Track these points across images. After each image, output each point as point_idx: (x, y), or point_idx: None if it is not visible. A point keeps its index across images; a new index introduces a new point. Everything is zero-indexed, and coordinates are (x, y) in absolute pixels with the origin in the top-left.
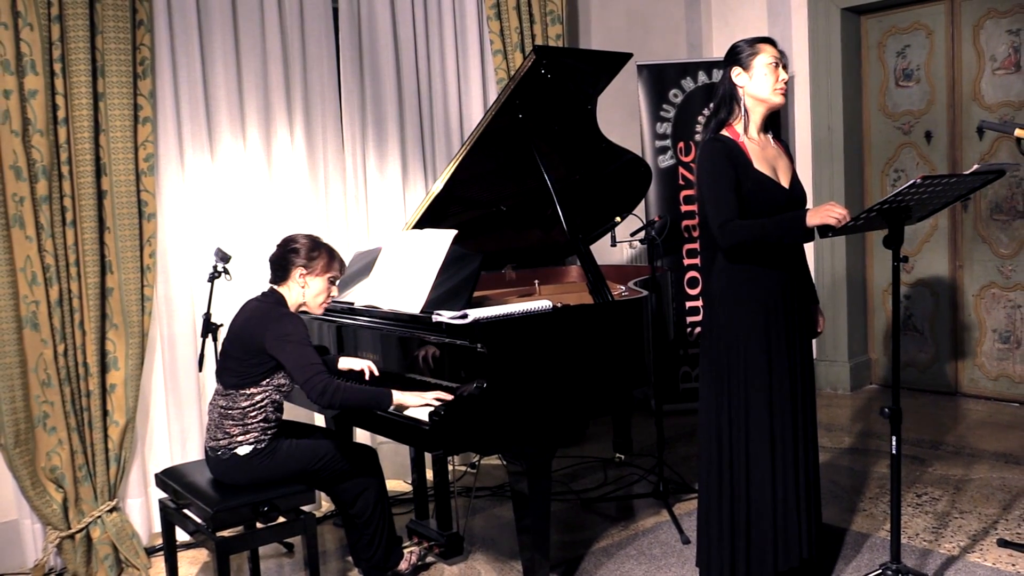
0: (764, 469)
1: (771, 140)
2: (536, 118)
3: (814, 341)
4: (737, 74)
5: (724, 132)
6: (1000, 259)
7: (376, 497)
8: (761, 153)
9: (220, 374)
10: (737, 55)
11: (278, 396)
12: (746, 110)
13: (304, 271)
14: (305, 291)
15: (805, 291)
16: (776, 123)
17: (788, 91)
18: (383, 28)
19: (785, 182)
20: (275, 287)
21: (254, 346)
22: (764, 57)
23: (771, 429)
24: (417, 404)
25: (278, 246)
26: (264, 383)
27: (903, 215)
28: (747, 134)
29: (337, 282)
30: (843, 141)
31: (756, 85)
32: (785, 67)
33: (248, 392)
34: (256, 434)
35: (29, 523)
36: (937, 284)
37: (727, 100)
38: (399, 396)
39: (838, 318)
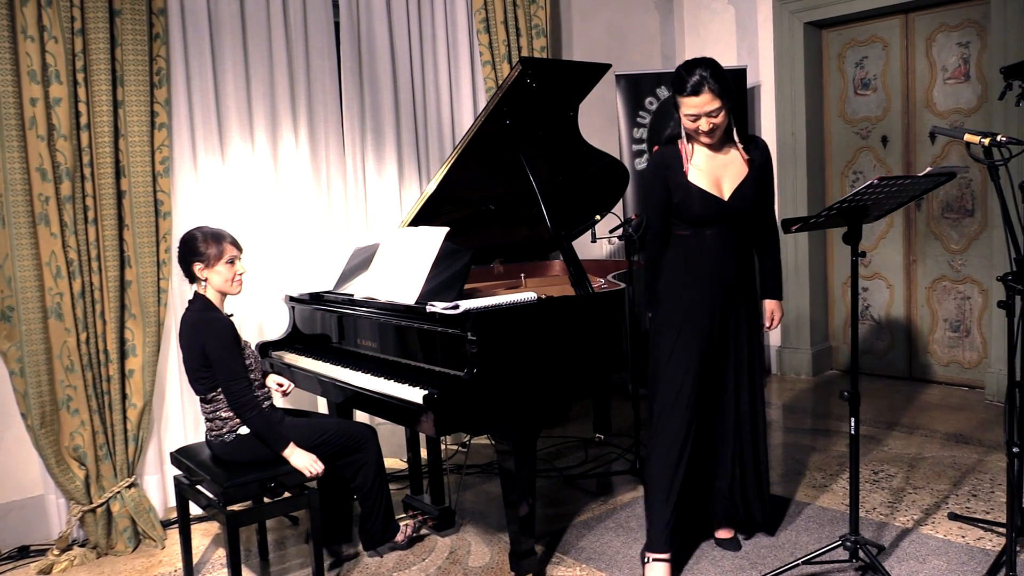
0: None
1: (732, 149)
2: (522, 124)
3: (779, 330)
4: (676, 106)
5: (673, 144)
6: (951, 254)
7: (375, 471)
8: (705, 163)
9: (193, 386)
10: (671, 92)
11: (252, 376)
12: (687, 134)
13: (201, 266)
14: (211, 282)
15: (746, 287)
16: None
17: (754, 99)
18: (381, 41)
19: (725, 192)
20: (196, 290)
21: (201, 353)
22: (683, 109)
23: (688, 423)
24: (299, 465)
25: (178, 249)
26: None
27: (861, 214)
28: (692, 150)
29: (238, 257)
30: (806, 145)
31: (684, 124)
32: (713, 116)
33: (220, 390)
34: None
35: (54, 498)
36: (893, 277)
37: (678, 122)
38: (291, 450)
39: (801, 309)
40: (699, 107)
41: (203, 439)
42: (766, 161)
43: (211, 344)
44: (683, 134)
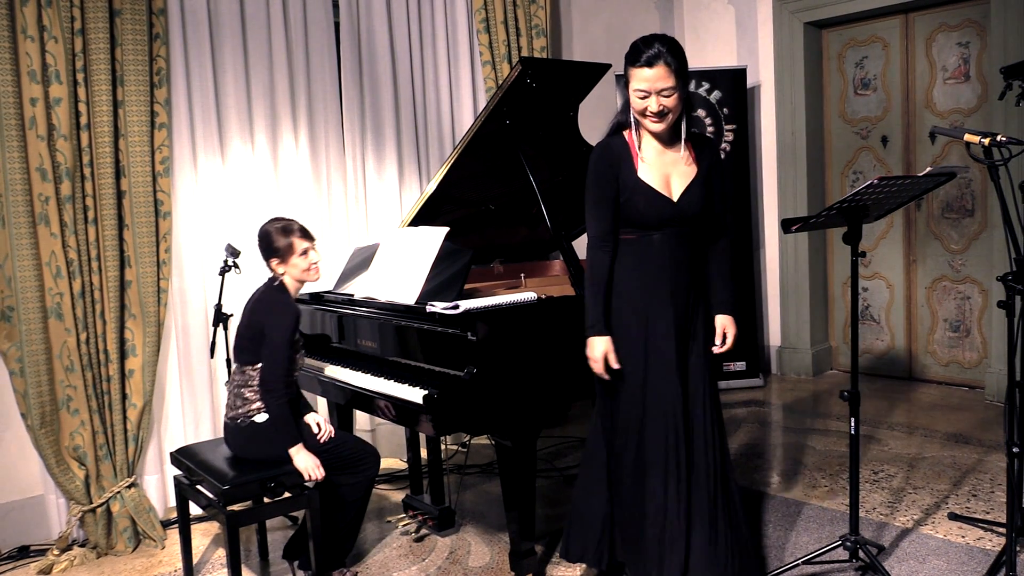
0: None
1: (681, 146)
2: (522, 124)
3: (777, 330)
4: (627, 83)
5: (620, 135)
6: (951, 254)
7: (361, 494)
8: (655, 159)
9: (237, 352)
10: (625, 63)
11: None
12: (635, 119)
13: (278, 261)
14: (289, 273)
15: (700, 306)
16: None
17: (754, 99)
18: (381, 41)
19: (675, 192)
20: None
21: (259, 330)
22: (633, 83)
23: (640, 432)
24: (301, 466)
25: (258, 246)
26: None
27: (861, 213)
28: (642, 142)
29: (312, 247)
30: (806, 145)
31: (632, 103)
32: (665, 96)
33: (258, 367)
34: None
35: (54, 498)
36: (893, 277)
37: (627, 109)
38: (298, 449)
39: (801, 309)
40: (651, 82)
41: (203, 439)
42: (716, 162)
43: (275, 325)
44: (632, 122)
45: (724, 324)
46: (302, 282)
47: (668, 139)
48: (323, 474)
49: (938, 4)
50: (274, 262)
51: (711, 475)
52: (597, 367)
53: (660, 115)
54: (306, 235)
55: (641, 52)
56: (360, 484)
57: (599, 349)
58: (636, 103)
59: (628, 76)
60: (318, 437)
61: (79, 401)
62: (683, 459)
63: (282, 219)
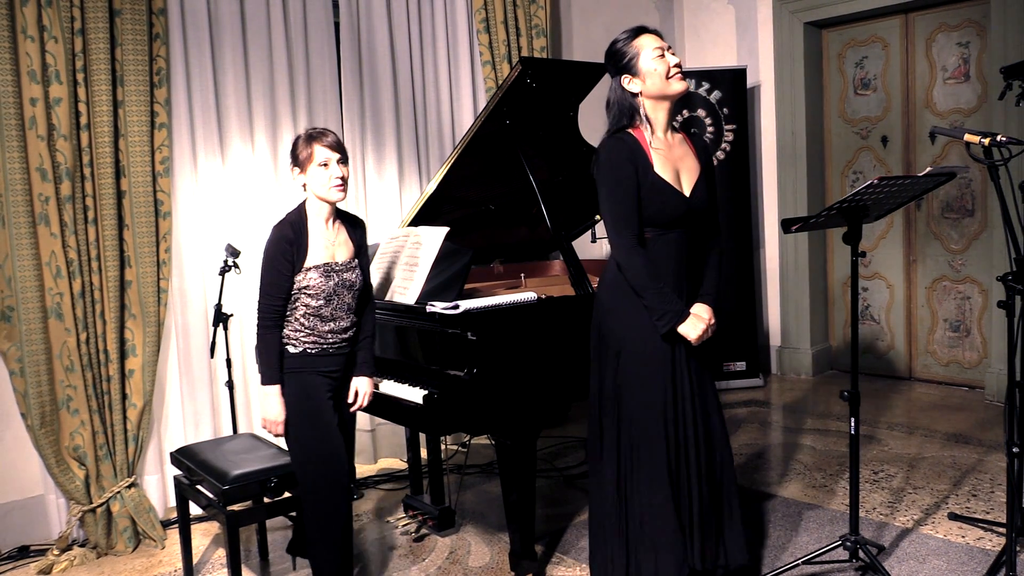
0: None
1: (682, 140)
2: (522, 124)
3: (777, 330)
4: (628, 82)
5: (628, 133)
6: (951, 254)
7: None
8: (666, 156)
9: None
10: (620, 61)
11: (309, 299)
12: (647, 117)
13: (298, 171)
14: (309, 187)
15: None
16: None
17: (754, 99)
18: (381, 41)
19: (687, 187)
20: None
21: None
22: (647, 52)
23: (667, 452)
24: (264, 412)
25: None
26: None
27: (861, 213)
28: (653, 136)
29: (335, 160)
30: (806, 145)
31: (651, 84)
32: (672, 51)
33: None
34: (290, 333)
35: (54, 498)
36: (893, 277)
37: (627, 112)
38: (270, 391)
39: (801, 308)
40: (660, 40)
41: (203, 439)
42: (710, 158)
43: (264, 249)
44: (640, 116)
45: (707, 313)
46: (331, 203)
47: (668, 128)
48: (279, 433)
49: (938, 4)
50: (295, 171)
51: (717, 468)
52: (702, 336)
53: (679, 68)
54: (334, 147)
55: (637, 27)
56: (314, 518)
57: (698, 328)
58: (658, 65)
59: (637, 50)
60: (351, 408)
61: (79, 401)
62: (693, 456)
63: (318, 128)
